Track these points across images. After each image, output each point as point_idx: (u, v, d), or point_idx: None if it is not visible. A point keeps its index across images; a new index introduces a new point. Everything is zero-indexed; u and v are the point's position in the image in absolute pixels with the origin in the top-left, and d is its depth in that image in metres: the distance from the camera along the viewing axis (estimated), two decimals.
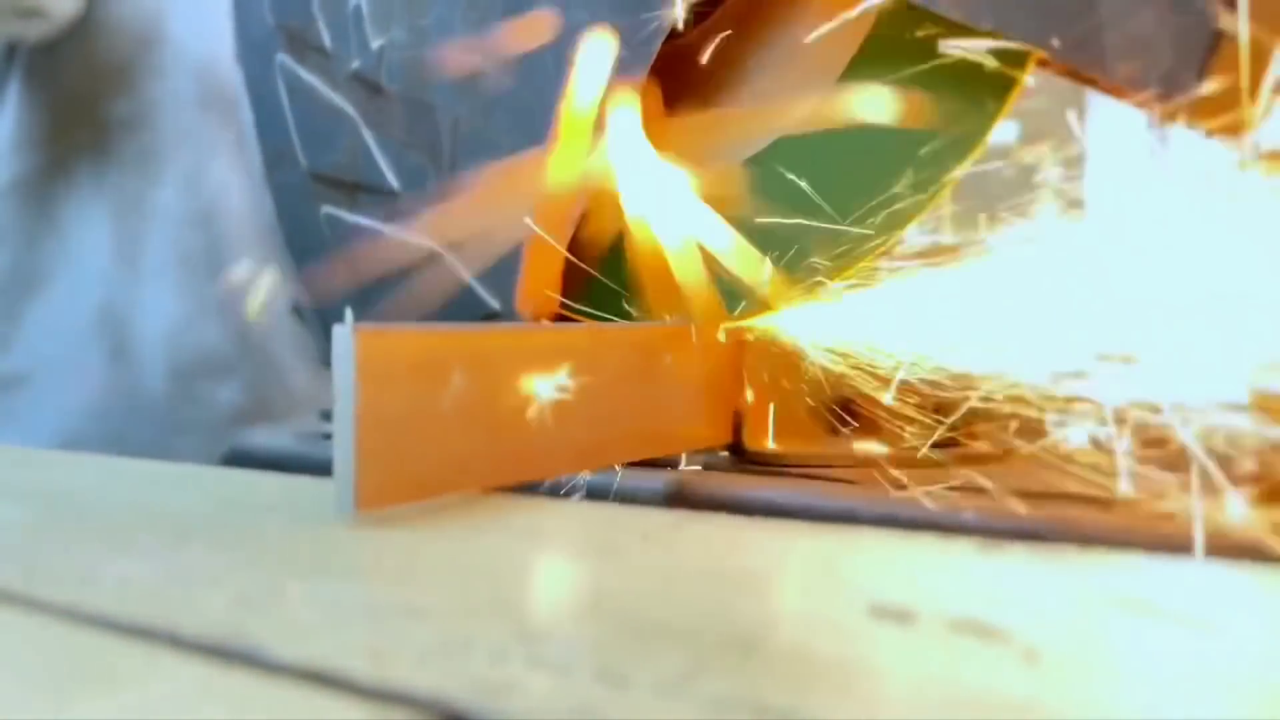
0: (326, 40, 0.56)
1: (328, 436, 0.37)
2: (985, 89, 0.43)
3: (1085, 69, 0.38)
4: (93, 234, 0.81)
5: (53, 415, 0.80)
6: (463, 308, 0.53)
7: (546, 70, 0.49)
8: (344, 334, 0.36)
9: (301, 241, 0.60)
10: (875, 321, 0.43)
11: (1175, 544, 0.32)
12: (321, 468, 0.38)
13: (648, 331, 0.47)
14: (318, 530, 0.36)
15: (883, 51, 0.46)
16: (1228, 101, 0.35)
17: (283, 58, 0.58)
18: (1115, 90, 0.38)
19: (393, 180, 0.54)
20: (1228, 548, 0.31)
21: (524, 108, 0.50)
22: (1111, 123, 0.40)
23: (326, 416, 0.51)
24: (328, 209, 0.57)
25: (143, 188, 0.81)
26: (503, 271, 0.52)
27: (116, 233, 0.81)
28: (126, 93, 0.81)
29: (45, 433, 0.79)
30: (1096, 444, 0.37)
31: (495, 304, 0.52)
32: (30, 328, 0.82)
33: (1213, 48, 0.35)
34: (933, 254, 0.43)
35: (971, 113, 0.43)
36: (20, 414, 0.81)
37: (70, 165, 0.81)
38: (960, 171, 0.44)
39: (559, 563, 0.32)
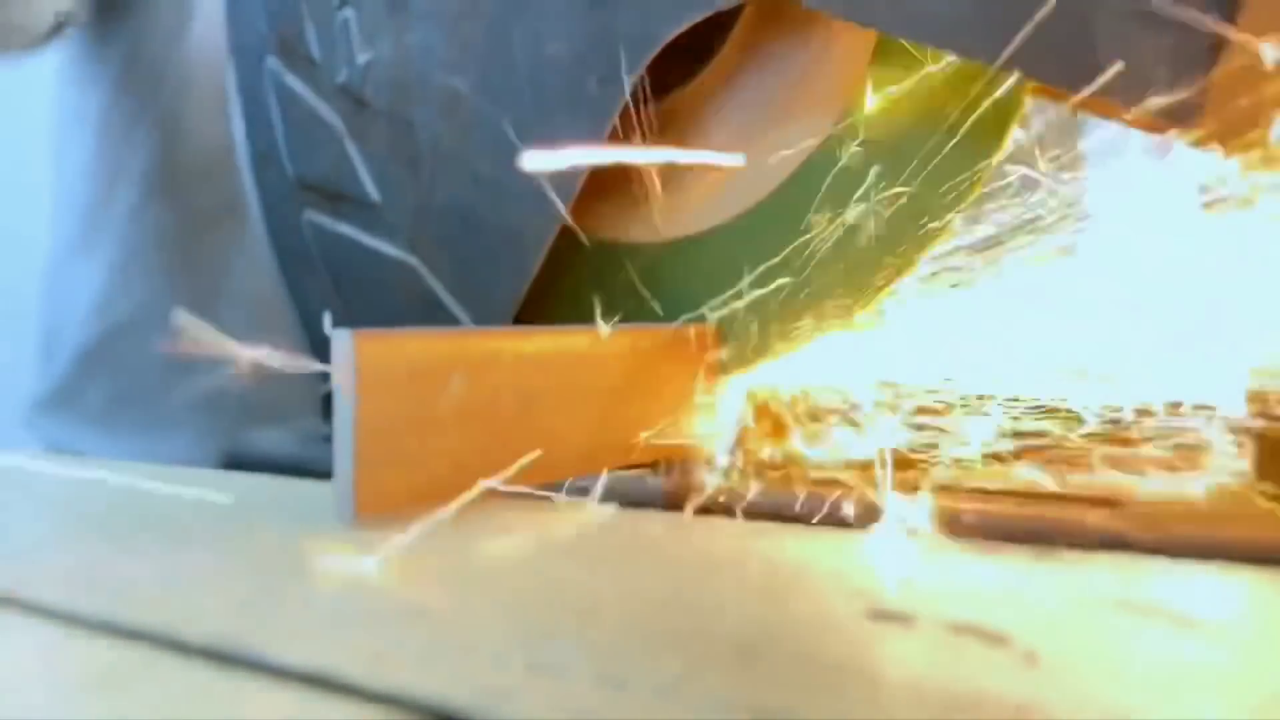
0: (315, 50, 0.56)
1: (328, 439, 0.37)
2: (984, 123, 0.43)
3: (1082, 94, 0.38)
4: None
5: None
6: (433, 320, 0.53)
7: (524, 98, 0.50)
8: (343, 339, 0.36)
9: (285, 244, 0.60)
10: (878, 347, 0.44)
11: (1175, 545, 0.32)
12: (321, 470, 0.38)
13: (647, 334, 0.47)
14: (318, 533, 0.36)
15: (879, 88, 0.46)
16: (1229, 119, 0.35)
17: (273, 62, 0.58)
18: (1113, 113, 0.38)
19: (373, 192, 0.55)
20: (1228, 549, 0.31)
21: (501, 133, 0.51)
22: (1109, 136, 0.40)
23: (325, 415, 0.51)
24: (310, 214, 0.58)
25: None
26: (473, 285, 0.52)
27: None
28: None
29: None
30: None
31: (467, 318, 0.53)
32: None
33: (1211, 68, 0.35)
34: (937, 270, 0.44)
35: (972, 148, 0.43)
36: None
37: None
38: (965, 205, 0.44)
39: (558, 566, 0.32)
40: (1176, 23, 0.35)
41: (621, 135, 0.49)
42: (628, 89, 0.47)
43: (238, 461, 0.55)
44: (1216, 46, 0.35)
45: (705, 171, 0.50)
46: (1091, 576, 0.30)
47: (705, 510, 0.40)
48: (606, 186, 0.50)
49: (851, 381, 0.44)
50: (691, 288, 0.49)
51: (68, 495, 0.46)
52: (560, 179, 0.49)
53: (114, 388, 0.79)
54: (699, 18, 0.46)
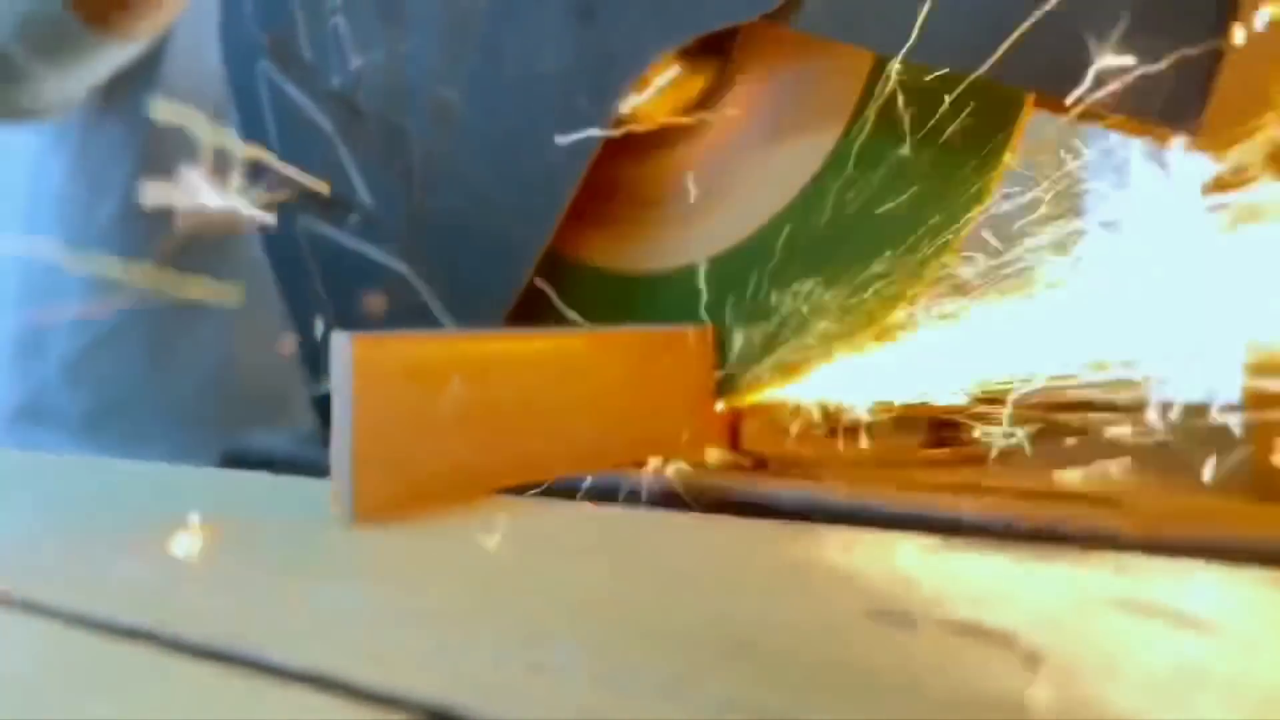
0: (308, 54, 0.56)
1: (326, 440, 0.37)
2: (986, 137, 0.43)
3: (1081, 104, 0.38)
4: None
5: None
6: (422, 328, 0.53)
7: (515, 112, 0.50)
8: (342, 341, 0.36)
9: (277, 249, 0.60)
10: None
11: (1175, 545, 0.32)
12: (321, 470, 0.38)
13: (646, 335, 0.47)
14: (317, 533, 0.36)
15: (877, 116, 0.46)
16: (1229, 126, 0.35)
17: (265, 65, 0.58)
18: (1112, 122, 0.38)
19: (365, 198, 0.55)
20: (1228, 549, 0.31)
21: (492, 144, 0.51)
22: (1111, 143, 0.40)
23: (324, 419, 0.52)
24: (303, 219, 0.58)
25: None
26: (463, 294, 0.53)
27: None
28: None
29: None
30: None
31: (456, 328, 0.53)
32: None
33: (1214, 77, 0.35)
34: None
35: (972, 163, 0.43)
36: None
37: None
38: (969, 220, 0.44)
39: (557, 565, 0.32)
40: (1175, 30, 0.35)
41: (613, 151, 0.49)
42: (617, 106, 0.47)
43: (238, 461, 0.56)
44: (1216, 53, 0.35)
45: (692, 204, 0.50)
46: (1091, 576, 0.30)
47: (707, 509, 0.40)
48: (597, 211, 0.51)
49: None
50: (673, 317, 0.50)
51: (68, 495, 0.46)
52: (549, 193, 0.49)
53: (95, 399, 0.79)
54: (690, 37, 0.46)
